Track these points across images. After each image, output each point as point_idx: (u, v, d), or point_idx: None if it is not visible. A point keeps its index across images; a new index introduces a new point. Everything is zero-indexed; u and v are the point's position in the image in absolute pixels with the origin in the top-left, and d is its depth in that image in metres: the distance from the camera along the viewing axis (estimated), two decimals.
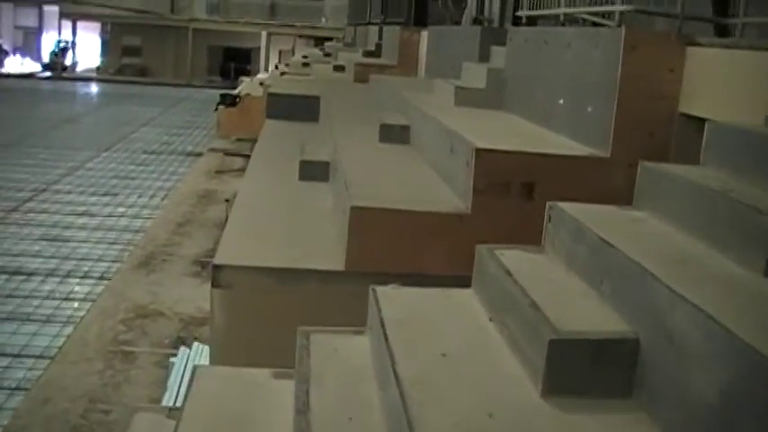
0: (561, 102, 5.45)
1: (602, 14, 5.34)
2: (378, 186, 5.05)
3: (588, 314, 2.71)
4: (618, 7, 4.82)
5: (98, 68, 56.55)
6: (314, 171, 6.71)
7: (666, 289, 2.41)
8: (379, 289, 3.33)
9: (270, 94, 10.89)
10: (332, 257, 4.63)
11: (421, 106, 6.83)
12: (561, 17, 5.85)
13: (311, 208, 5.82)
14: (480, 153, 4.55)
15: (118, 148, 25.23)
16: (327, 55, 23.82)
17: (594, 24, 5.51)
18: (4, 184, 19.49)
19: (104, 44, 57.35)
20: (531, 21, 7.55)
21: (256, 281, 4.55)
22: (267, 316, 4.61)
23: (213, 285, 4.54)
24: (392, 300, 3.23)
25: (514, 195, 4.62)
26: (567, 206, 3.39)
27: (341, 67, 15.72)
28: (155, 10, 53.74)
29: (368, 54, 17.00)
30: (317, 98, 10.35)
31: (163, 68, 54.79)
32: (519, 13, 6.85)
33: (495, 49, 8.02)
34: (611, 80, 4.71)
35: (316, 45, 41.27)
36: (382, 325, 2.94)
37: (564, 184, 4.68)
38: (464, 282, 4.65)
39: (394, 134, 6.88)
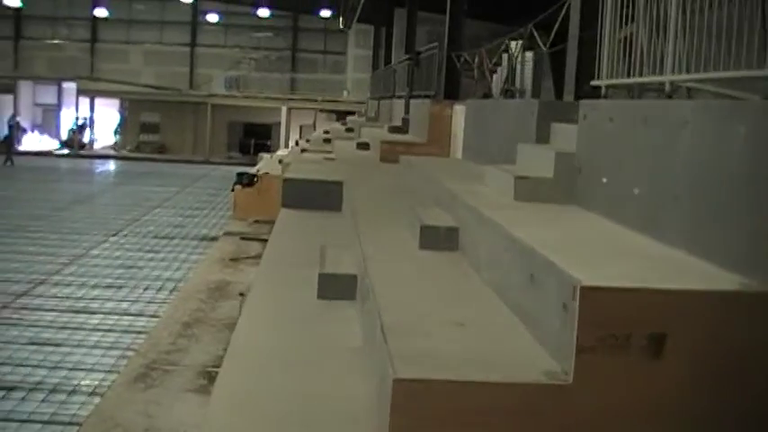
0: (680, 202, 3.92)
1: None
2: (428, 332, 3.51)
3: None
4: None
5: (116, 145, 55.72)
6: (337, 287, 5.22)
7: None
8: None
9: (286, 180, 9.47)
10: None
11: (472, 202, 5.34)
12: (667, 87, 4.32)
13: (333, 348, 4.30)
14: (588, 294, 3.02)
15: (128, 233, 23.77)
16: (350, 130, 22.63)
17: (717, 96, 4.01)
18: None
19: (122, 121, 56.59)
20: (595, 93, 6.11)
21: None
22: None
23: None
24: None
25: (636, 353, 3.08)
26: None
27: (365, 145, 14.36)
28: (173, 86, 52.99)
29: (394, 130, 15.63)
30: (339, 184, 8.95)
31: (181, 145, 53.85)
32: (596, 83, 5.33)
33: (557, 127, 6.56)
34: None
35: (337, 119, 40.14)
36: None
37: (708, 334, 3.15)
38: None
39: (438, 239, 5.38)
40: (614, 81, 5.00)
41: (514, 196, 5.44)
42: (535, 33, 9.05)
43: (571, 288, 3.10)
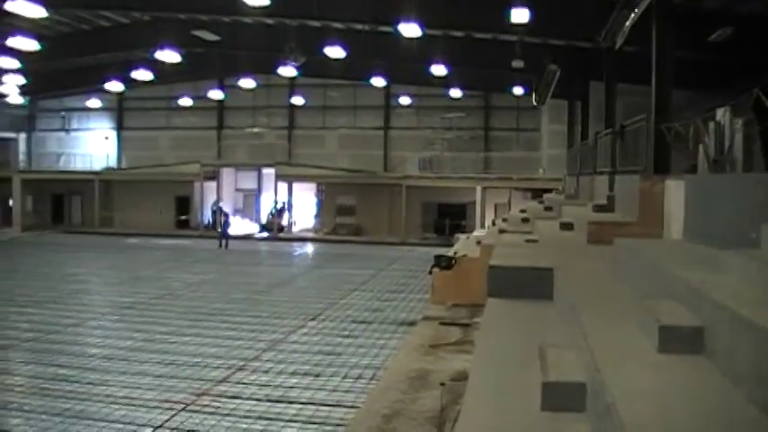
0: None
1: None
2: None
3: None
4: None
5: (314, 228, 56.97)
6: (564, 398, 4.57)
7: None
8: None
9: (492, 267, 8.87)
10: None
11: (718, 297, 4.58)
12: None
13: None
14: None
15: (326, 317, 23.62)
16: (548, 209, 21.91)
17: None
18: (199, 361, 17.99)
19: (319, 204, 57.89)
20: None
21: None
22: None
23: None
24: None
25: None
26: None
27: (569, 225, 13.64)
28: (368, 169, 53.82)
29: (599, 208, 14.81)
30: (548, 270, 8.29)
31: (377, 227, 54.28)
32: None
33: None
34: None
35: (533, 197, 39.37)
36: None
37: None
38: None
39: (680, 341, 4.63)
40: None
41: None
42: (763, 98, 8.16)
43: None
